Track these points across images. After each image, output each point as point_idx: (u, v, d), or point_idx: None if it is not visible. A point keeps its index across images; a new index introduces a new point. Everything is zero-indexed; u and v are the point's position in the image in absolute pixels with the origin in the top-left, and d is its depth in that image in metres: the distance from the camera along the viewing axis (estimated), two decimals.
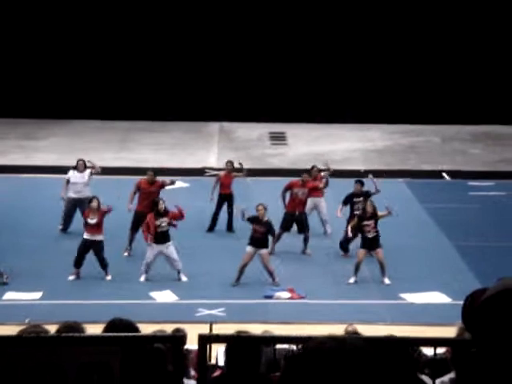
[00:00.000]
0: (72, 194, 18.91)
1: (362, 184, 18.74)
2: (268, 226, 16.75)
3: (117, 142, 27.56)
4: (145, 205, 18.03)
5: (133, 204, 18.35)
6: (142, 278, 16.70)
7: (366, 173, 23.07)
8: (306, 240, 18.34)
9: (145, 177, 18.62)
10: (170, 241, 16.69)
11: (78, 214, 18.79)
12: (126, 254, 17.96)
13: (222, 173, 19.84)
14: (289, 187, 18.50)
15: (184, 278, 16.76)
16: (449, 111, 29.96)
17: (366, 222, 16.85)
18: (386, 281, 16.78)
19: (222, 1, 29.91)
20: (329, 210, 19.23)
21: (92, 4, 29.70)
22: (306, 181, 18.53)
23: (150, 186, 18.33)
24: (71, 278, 16.68)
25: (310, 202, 18.84)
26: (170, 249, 16.68)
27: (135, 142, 27.73)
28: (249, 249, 16.56)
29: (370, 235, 16.79)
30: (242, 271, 16.55)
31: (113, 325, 4.46)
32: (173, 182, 18.90)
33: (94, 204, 16.78)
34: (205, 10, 29.92)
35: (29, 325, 4.90)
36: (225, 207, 19.41)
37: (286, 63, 30.30)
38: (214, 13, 29.90)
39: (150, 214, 16.84)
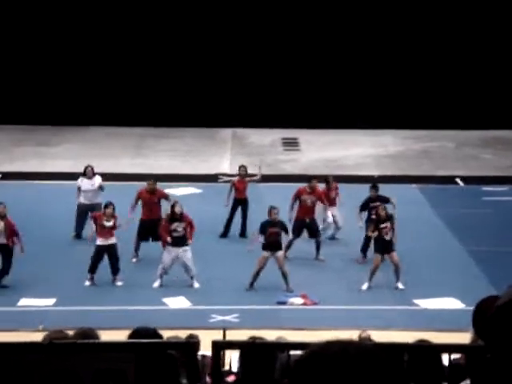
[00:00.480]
0: (83, 200, 18.99)
1: (377, 189, 18.77)
2: (282, 226, 16.82)
3: (131, 149, 27.64)
4: (148, 214, 18.04)
5: (133, 213, 18.24)
6: (157, 284, 16.68)
7: (378, 178, 23.07)
8: (318, 246, 18.34)
9: (145, 186, 18.50)
10: (187, 245, 16.66)
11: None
12: (134, 260, 18.00)
13: (235, 178, 19.87)
14: (297, 195, 18.50)
15: (196, 285, 16.76)
16: (462, 116, 29.88)
17: (382, 225, 16.90)
18: (400, 285, 16.75)
19: (236, 8, 29.95)
20: (342, 217, 19.22)
21: (106, 11, 29.79)
22: (314, 187, 18.52)
23: (150, 196, 18.24)
24: (87, 283, 16.72)
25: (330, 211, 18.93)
26: (187, 254, 16.67)
27: (149, 149, 27.79)
28: (264, 253, 16.57)
29: (388, 237, 16.84)
30: (256, 276, 16.55)
31: (137, 333, 4.47)
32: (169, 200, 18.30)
33: (110, 210, 16.85)
34: (217, 17, 29.96)
35: (52, 330, 4.92)
36: (238, 213, 19.43)
37: (298, 69, 30.30)
38: (227, 20, 29.94)
39: (165, 218, 16.84)
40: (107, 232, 16.69)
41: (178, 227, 16.59)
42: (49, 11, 29.67)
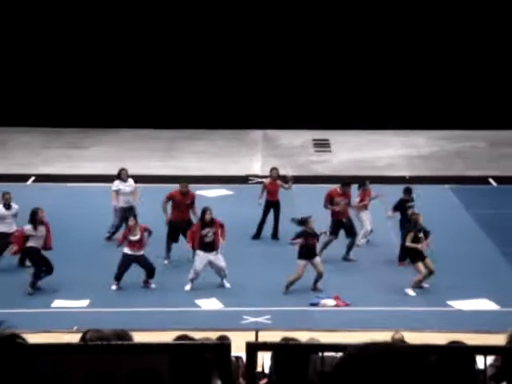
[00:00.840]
0: (123, 204, 19.00)
1: (411, 191, 18.71)
2: (317, 236, 16.81)
3: (162, 151, 27.72)
4: (178, 215, 18.10)
5: (168, 214, 18.33)
6: (188, 287, 16.70)
7: (410, 179, 22.94)
8: (351, 246, 18.29)
9: (177, 188, 18.56)
10: (217, 250, 16.69)
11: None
12: (166, 262, 18.03)
13: (267, 180, 19.83)
14: (329, 197, 18.45)
15: (227, 285, 16.78)
16: (495, 116, 29.64)
17: (420, 235, 16.74)
18: (425, 285, 16.73)
19: (267, 11, 29.94)
20: (374, 219, 19.14)
21: (136, 14, 29.94)
22: (347, 191, 18.50)
23: (183, 197, 18.28)
24: (114, 287, 16.76)
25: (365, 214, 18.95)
26: (219, 257, 16.71)
27: (180, 151, 27.87)
28: (302, 262, 16.51)
29: (424, 248, 16.74)
30: (293, 283, 16.51)
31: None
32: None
33: (131, 223, 16.85)
34: (247, 19, 29.98)
35: (91, 329, 4.93)
36: (270, 215, 19.41)
37: (329, 70, 30.24)
38: (258, 22, 29.95)
39: (197, 224, 16.88)
40: (134, 245, 16.70)
41: (209, 233, 16.66)
42: (77, 16, 29.87)
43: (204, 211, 16.85)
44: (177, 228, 18.05)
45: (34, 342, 3.10)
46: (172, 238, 18.10)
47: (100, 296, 16.30)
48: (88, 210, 21.30)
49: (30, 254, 16.80)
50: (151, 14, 30.00)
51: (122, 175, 19.24)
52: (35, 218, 16.59)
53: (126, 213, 18.55)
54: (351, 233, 18.33)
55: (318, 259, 16.64)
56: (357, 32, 29.97)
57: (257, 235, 19.45)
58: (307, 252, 16.47)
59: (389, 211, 18.54)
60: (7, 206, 17.65)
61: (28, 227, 16.59)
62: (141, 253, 16.71)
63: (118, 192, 19.07)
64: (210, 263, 16.65)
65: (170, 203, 18.40)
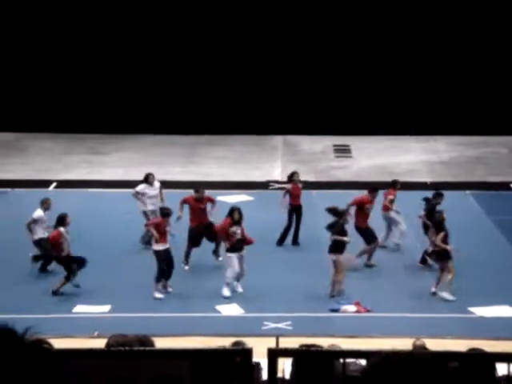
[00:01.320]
0: (151, 207, 19.22)
1: (442, 195, 18.60)
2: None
3: (182, 157, 27.79)
4: (196, 220, 18.18)
5: (180, 212, 18.39)
6: (228, 293, 16.61)
7: (431, 185, 22.86)
8: (372, 252, 18.26)
9: (192, 194, 18.65)
10: (244, 250, 16.73)
11: (134, 228, 19.07)
12: (186, 267, 18.07)
13: (289, 185, 19.81)
14: (361, 204, 18.43)
15: (240, 289, 16.77)
16: None
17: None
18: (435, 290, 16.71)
19: (284, 15, 29.97)
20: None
21: (155, 22, 30.05)
22: (375, 197, 18.57)
23: (198, 203, 18.38)
24: (159, 296, 16.70)
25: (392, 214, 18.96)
26: (242, 259, 16.74)
27: (200, 156, 27.92)
28: (341, 256, 16.55)
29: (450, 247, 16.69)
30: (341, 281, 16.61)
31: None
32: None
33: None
34: (267, 25, 30.02)
35: (115, 334, 4.95)
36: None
37: (350, 76, 30.21)
38: (278, 27, 29.98)
39: (226, 220, 16.86)
40: (166, 237, 16.89)
41: (238, 230, 16.68)
42: (95, 25, 30.02)
43: (233, 210, 16.90)
44: (198, 234, 18.11)
45: (57, 347, 3.12)
46: (192, 243, 18.15)
47: (121, 301, 16.33)
48: (108, 215, 21.38)
49: (67, 261, 16.89)
50: (169, 21, 30.10)
51: (149, 179, 19.45)
52: (65, 222, 16.78)
53: (154, 216, 18.81)
54: (374, 238, 18.29)
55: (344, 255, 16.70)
56: (378, 39, 29.93)
57: (281, 241, 19.43)
58: (342, 246, 16.55)
59: (422, 217, 18.33)
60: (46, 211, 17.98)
61: (63, 229, 16.74)
62: (153, 248, 16.79)
63: (144, 195, 19.22)
64: (242, 259, 16.67)
65: (188, 208, 18.50)
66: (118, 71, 30.33)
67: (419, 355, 2.30)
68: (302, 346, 7.89)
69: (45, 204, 18.07)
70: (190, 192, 19.23)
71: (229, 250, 16.68)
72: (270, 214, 20.15)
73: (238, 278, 16.78)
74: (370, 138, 29.38)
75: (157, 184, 19.68)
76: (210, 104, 30.27)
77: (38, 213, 17.89)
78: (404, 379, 2.25)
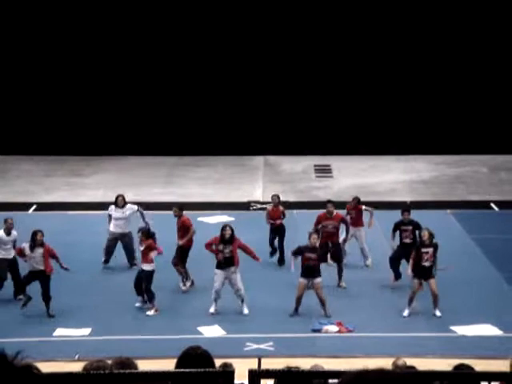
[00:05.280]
0: (113, 229, 19.15)
1: (409, 212, 18.65)
2: (319, 251, 16.80)
3: (163, 178, 27.76)
4: (183, 238, 18.16)
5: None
6: (212, 309, 16.67)
7: (411, 204, 22.94)
8: (340, 272, 18.27)
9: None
10: (234, 266, 16.68)
11: (119, 250, 19.05)
12: (187, 287, 18.03)
13: (269, 206, 19.94)
14: (318, 222, 18.48)
15: (246, 311, 16.76)
16: (495, 141, 29.70)
17: (424, 250, 16.60)
18: (438, 313, 16.59)
19: (264, 38, 30.11)
20: (372, 241, 19.14)
21: (137, 43, 30.11)
22: (332, 212, 18.46)
23: (177, 221, 18.41)
24: (137, 304, 16.92)
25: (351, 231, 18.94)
26: (235, 276, 16.69)
27: (181, 177, 27.91)
28: (301, 280, 16.51)
29: (427, 264, 16.56)
30: (298, 302, 16.52)
31: (187, 355, 4.44)
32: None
33: (138, 235, 17.15)
34: (245, 46, 30.15)
35: (92, 360, 4.92)
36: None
37: (329, 97, 30.36)
38: (257, 48, 30.12)
39: (214, 238, 16.90)
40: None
41: (226, 249, 16.66)
42: (79, 45, 30.04)
43: (223, 228, 16.91)
44: (183, 253, 18.15)
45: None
46: (182, 262, 18.18)
47: (102, 324, 16.25)
48: (89, 236, 21.29)
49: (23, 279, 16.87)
50: (151, 42, 30.16)
51: (117, 201, 19.37)
52: (34, 239, 16.69)
53: (118, 238, 18.91)
54: (337, 258, 18.34)
55: (317, 281, 16.53)
56: (357, 59, 30.12)
57: (273, 252, 19.50)
58: (306, 270, 16.50)
59: (391, 241, 18.43)
60: (8, 232, 17.65)
61: (26, 245, 16.69)
62: (145, 268, 16.77)
63: (110, 217, 19.21)
64: (227, 279, 16.65)
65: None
66: (99, 94, 30.32)
67: (389, 373, 2.30)
68: (287, 367, 7.86)
69: (5, 224, 17.78)
70: (171, 213, 19.17)
71: (216, 266, 16.71)
72: (251, 235, 20.13)
73: (239, 296, 16.71)
74: (351, 158, 29.50)
75: (131, 207, 19.53)
76: (191, 125, 30.30)
77: None
78: None
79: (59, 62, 30.09)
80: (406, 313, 16.62)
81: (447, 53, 29.95)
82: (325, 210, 18.63)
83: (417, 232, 17.86)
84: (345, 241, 18.94)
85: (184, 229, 18.32)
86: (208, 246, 16.94)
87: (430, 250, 16.59)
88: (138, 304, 17.02)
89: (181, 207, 18.75)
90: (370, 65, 30.11)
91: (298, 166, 28.99)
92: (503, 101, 30.07)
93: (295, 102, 30.37)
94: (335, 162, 29.29)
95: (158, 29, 30.13)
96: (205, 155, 29.71)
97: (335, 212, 18.56)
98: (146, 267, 16.87)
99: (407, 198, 25.02)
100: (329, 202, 18.94)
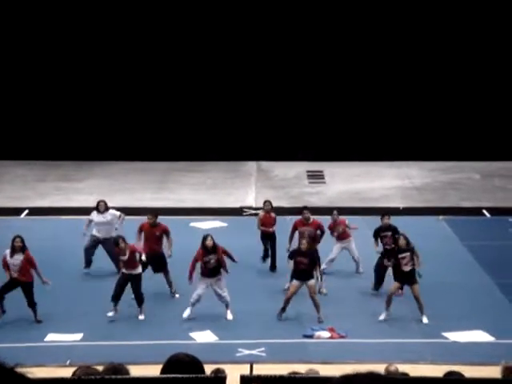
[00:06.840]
0: (95, 233, 19.20)
1: (389, 217, 18.63)
2: (312, 255, 16.79)
3: (156, 183, 27.74)
4: (147, 247, 17.94)
5: (139, 242, 18.12)
6: (186, 314, 16.64)
7: (404, 210, 22.97)
8: (319, 278, 18.24)
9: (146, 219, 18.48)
10: (220, 274, 16.66)
11: (102, 253, 18.96)
12: (177, 295, 17.97)
13: (261, 213, 19.86)
14: (294, 228, 18.51)
15: (230, 316, 16.74)
16: (488, 147, 29.78)
17: (401, 255, 16.62)
18: (425, 319, 16.56)
19: (260, 43, 30.15)
20: (361, 249, 19.15)
21: (130, 48, 30.11)
22: (309, 218, 18.46)
23: (152, 229, 18.17)
24: (110, 314, 16.68)
25: (338, 245, 18.87)
26: (219, 283, 16.68)
27: (174, 183, 27.89)
28: (295, 282, 16.55)
29: (407, 269, 16.54)
30: (287, 302, 16.53)
31: (176, 360, 4.44)
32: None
33: (121, 245, 16.80)
34: (241, 50, 30.18)
35: (81, 366, 4.92)
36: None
37: (323, 102, 30.39)
38: (251, 52, 30.15)
39: (198, 251, 16.79)
40: (125, 264, 16.73)
41: (211, 259, 16.64)
42: (73, 51, 30.02)
43: (205, 238, 16.84)
44: (148, 260, 17.79)
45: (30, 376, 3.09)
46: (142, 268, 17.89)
47: (94, 329, 16.21)
48: (80, 242, 21.22)
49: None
50: (144, 49, 30.17)
51: (98, 206, 19.35)
52: (12, 245, 16.32)
53: (99, 242, 18.91)
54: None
55: (311, 282, 16.56)
56: (351, 65, 30.17)
57: (265, 257, 19.49)
58: (299, 273, 16.53)
59: (375, 246, 18.44)
60: None
61: (7, 251, 16.38)
62: (135, 272, 16.69)
63: (91, 221, 19.25)
64: (211, 286, 16.62)
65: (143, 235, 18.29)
66: (92, 99, 30.29)
67: (377, 376, 2.30)
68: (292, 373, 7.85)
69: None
70: (164, 218, 19.15)
71: (201, 274, 16.71)
72: (244, 240, 20.14)
73: (223, 302, 16.69)
74: (344, 164, 29.53)
75: (113, 212, 19.43)
76: (184, 131, 30.30)
77: None
78: None
79: (52, 67, 30.06)
80: (382, 317, 16.60)
81: (441, 60, 30.02)
82: (301, 217, 18.64)
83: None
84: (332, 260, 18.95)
85: (166, 235, 18.22)
86: (193, 265, 16.71)
87: (407, 254, 16.59)
88: (110, 314, 16.69)
89: (156, 213, 18.63)
90: (363, 71, 30.17)
91: (291, 172, 29.00)
92: (496, 108, 30.14)
93: (288, 107, 30.39)
94: (328, 168, 29.32)
95: (150, 36, 30.12)
96: (197, 161, 29.71)
97: (312, 218, 18.56)
98: (136, 271, 16.81)
99: (400, 204, 25.05)
100: (305, 208, 19.01)
